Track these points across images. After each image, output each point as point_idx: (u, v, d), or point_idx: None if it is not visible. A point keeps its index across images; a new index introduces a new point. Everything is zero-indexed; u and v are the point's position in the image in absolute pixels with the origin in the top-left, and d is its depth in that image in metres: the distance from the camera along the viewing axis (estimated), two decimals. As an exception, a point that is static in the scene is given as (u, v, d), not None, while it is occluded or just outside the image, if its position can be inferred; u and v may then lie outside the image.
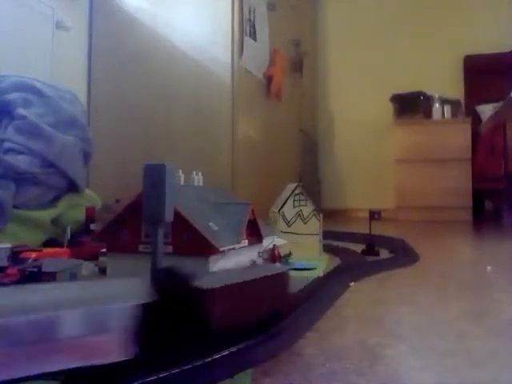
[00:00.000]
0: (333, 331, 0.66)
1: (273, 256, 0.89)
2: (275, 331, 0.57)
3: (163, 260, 0.60)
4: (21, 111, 1.42)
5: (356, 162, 3.99)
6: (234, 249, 0.71)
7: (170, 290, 0.48)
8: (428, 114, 3.55)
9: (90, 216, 1.29)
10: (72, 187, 1.49)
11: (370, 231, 1.48)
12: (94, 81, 2.44)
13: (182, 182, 0.75)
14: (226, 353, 0.48)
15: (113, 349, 0.42)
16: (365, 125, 3.96)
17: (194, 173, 0.80)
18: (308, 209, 1.38)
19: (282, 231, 1.32)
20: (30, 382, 0.46)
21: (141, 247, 0.68)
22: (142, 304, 0.43)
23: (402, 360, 0.57)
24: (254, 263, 0.55)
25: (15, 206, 1.31)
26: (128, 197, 0.70)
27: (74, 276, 0.85)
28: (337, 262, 1.27)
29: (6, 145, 1.38)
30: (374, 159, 3.93)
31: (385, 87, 3.69)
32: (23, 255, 0.89)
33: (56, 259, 0.89)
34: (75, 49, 2.38)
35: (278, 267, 0.57)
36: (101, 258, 1.03)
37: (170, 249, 0.65)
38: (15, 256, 0.91)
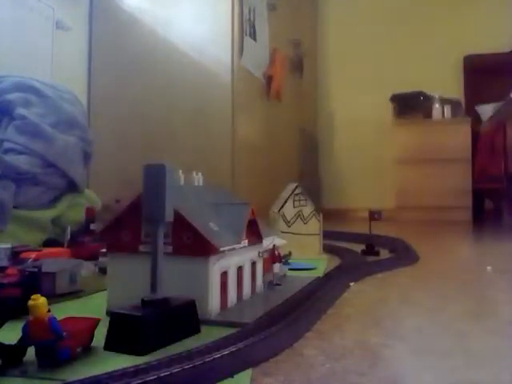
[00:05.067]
0: (333, 331, 0.66)
1: (273, 256, 0.89)
2: (275, 331, 0.57)
3: (163, 260, 0.60)
4: (21, 111, 1.42)
5: (356, 162, 3.99)
6: (234, 249, 0.71)
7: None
8: (428, 114, 3.55)
9: (90, 216, 1.29)
10: (72, 187, 1.49)
11: (370, 231, 1.48)
12: (94, 81, 2.44)
13: (182, 182, 0.75)
14: (226, 352, 0.49)
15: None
16: (365, 125, 3.96)
17: (194, 173, 0.80)
18: (308, 209, 1.38)
19: (282, 231, 1.32)
20: (29, 380, 0.46)
21: (141, 247, 0.68)
22: None
23: (402, 360, 0.57)
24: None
25: (15, 206, 1.31)
26: (128, 197, 0.70)
27: (73, 276, 0.85)
28: (337, 262, 1.27)
29: (6, 145, 1.38)
30: (374, 159, 3.93)
31: (385, 87, 3.69)
32: (23, 255, 0.89)
33: (56, 259, 0.89)
34: (75, 49, 2.38)
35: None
36: (101, 258, 1.03)
37: (169, 249, 0.65)
38: (15, 256, 0.91)
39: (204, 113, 2.30)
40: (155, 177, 0.59)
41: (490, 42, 3.63)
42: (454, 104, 3.57)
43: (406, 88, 3.57)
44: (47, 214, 1.38)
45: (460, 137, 3.40)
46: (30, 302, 0.47)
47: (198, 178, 0.80)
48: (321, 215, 1.39)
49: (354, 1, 4.09)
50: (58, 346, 0.48)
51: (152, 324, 0.55)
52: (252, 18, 2.51)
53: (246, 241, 0.76)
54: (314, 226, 1.37)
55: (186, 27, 2.35)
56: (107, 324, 0.55)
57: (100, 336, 0.55)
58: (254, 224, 0.80)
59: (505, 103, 3.20)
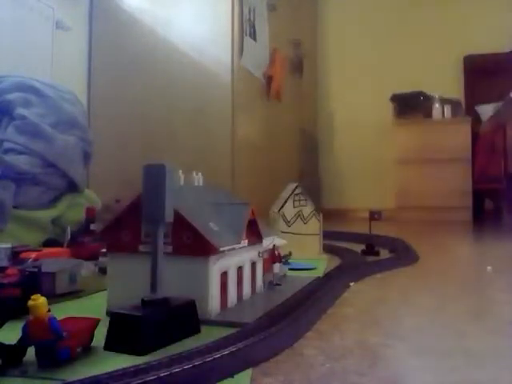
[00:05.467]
0: (333, 331, 0.66)
1: (273, 256, 0.89)
2: (275, 331, 0.57)
3: (163, 260, 0.60)
4: (21, 111, 1.42)
5: (356, 162, 3.99)
6: (234, 249, 0.71)
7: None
8: (428, 113, 3.55)
9: (90, 216, 1.29)
10: (72, 187, 1.49)
11: (370, 231, 1.48)
12: (94, 81, 2.44)
13: (182, 182, 0.75)
14: (226, 352, 0.49)
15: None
16: (365, 125, 3.96)
17: (194, 173, 0.80)
18: (308, 209, 1.38)
19: (282, 231, 1.32)
20: (29, 380, 0.46)
21: (141, 247, 0.68)
22: None
23: (402, 360, 0.57)
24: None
25: (15, 206, 1.31)
26: (128, 197, 0.70)
27: (73, 276, 0.85)
28: (337, 262, 1.27)
29: (6, 145, 1.38)
30: (374, 159, 3.93)
31: (385, 87, 3.69)
32: (23, 255, 0.89)
33: (56, 259, 0.89)
34: (75, 49, 2.38)
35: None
36: (101, 258, 1.03)
37: (169, 249, 0.65)
38: (15, 256, 0.91)
39: (204, 113, 2.30)
40: (155, 177, 0.59)
41: (490, 42, 3.63)
42: (454, 104, 3.56)
43: (406, 88, 3.57)
44: (47, 214, 1.38)
45: (460, 137, 3.40)
46: (30, 302, 0.47)
47: (198, 178, 0.80)
48: (321, 215, 1.39)
49: (354, 1, 4.09)
50: (58, 346, 0.48)
51: (152, 324, 0.55)
52: (252, 18, 2.51)
53: (246, 241, 0.76)
54: (314, 226, 1.37)
55: (186, 27, 2.35)
56: (107, 324, 0.55)
57: (100, 336, 0.55)
58: (254, 224, 0.80)
59: (505, 103, 3.20)
